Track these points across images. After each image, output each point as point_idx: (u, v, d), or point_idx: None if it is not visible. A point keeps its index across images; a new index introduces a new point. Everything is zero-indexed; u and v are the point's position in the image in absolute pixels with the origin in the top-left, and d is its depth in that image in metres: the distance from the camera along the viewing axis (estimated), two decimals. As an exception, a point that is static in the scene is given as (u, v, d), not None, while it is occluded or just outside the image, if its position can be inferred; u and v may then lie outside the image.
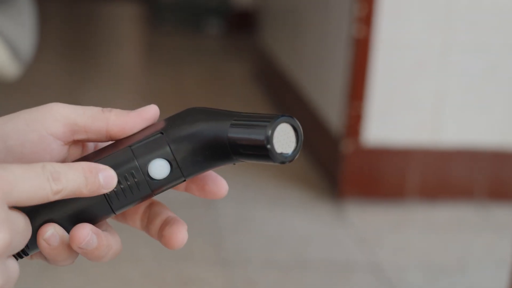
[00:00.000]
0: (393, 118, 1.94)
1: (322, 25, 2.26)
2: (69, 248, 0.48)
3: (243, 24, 4.07)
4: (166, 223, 0.51)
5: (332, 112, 2.06)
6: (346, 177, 1.94)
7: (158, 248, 1.59)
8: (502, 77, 1.94)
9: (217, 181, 0.52)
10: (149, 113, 0.51)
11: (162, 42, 3.98)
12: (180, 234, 0.50)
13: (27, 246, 0.47)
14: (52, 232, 0.47)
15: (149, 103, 0.52)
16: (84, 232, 0.46)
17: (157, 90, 3.03)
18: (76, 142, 0.51)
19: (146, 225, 0.53)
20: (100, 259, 0.48)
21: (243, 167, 2.11)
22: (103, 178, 0.46)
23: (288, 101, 2.62)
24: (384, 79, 1.91)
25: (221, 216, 1.84)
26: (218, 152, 0.49)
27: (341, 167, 1.95)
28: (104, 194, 0.48)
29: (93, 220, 0.48)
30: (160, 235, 0.51)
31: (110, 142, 0.51)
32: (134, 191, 0.48)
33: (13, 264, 0.44)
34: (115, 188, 0.48)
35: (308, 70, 2.39)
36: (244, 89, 3.06)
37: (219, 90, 3.09)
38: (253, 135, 0.46)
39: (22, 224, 0.44)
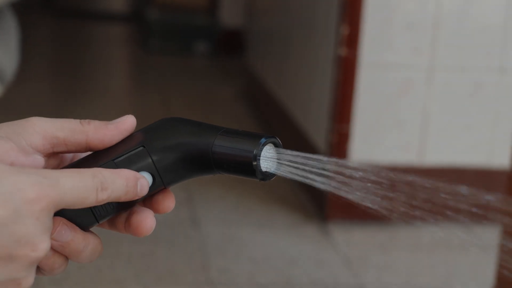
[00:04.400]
0: (379, 138, 1.95)
1: (307, 46, 2.27)
2: (61, 254, 0.49)
3: (231, 44, 4.09)
4: (132, 213, 0.52)
5: (318, 132, 2.06)
6: (332, 199, 1.94)
7: (140, 270, 1.59)
8: (486, 97, 1.95)
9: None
10: (127, 124, 0.52)
11: (150, 62, 3.98)
12: (149, 220, 0.51)
13: None
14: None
15: (137, 122, 0.53)
16: (55, 222, 0.47)
17: (145, 109, 3.03)
18: (55, 154, 0.52)
19: (113, 222, 0.53)
20: (80, 255, 0.49)
21: (230, 188, 2.11)
22: (140, 186, 0.49)
23: (275, 121, 2.63)
24: (369, 100, 1.92)
25: (207, 237, 1.84)
26: (200, 164, 0.51)
27: (327, 187, 1.95)
28: None
29: None
30: (127, 225, 0.52)
31: (89, 153, 0.52)
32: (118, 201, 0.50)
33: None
34: None
35: (294, 90, 2.40)
36: (231, 109, 3.07)
37: (206, 110, 3.09)
38: (240, 152, 0.49)
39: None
